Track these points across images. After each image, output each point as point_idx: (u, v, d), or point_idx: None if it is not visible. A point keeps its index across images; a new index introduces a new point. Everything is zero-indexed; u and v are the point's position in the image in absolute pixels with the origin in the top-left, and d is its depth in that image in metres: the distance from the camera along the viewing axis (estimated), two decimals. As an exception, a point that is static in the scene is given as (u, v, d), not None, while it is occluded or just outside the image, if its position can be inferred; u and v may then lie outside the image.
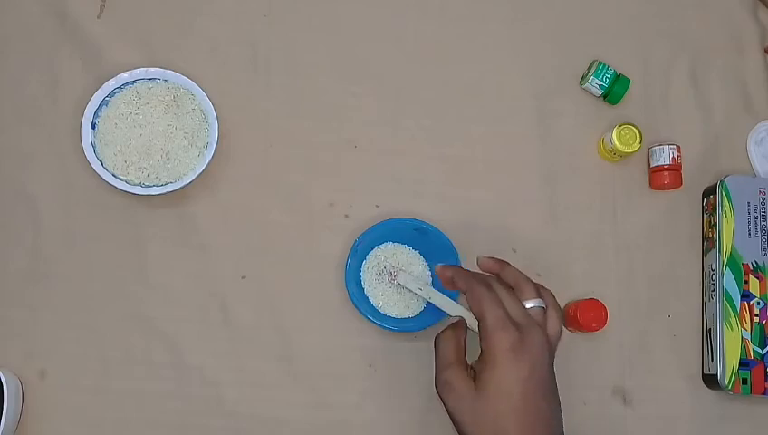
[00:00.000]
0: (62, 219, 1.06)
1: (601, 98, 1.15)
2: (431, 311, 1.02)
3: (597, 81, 1.13)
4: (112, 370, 1.04)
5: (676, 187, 1.13)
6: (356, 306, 1.04)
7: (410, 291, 1.01)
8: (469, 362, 0.91)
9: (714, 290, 1.10)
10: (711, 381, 1.08)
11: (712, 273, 1.10)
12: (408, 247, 1.07)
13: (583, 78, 1.15)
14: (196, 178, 1.04)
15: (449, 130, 1.13)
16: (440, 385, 0.85)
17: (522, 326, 0.83)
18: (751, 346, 1.07)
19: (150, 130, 1.05)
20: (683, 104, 1.17)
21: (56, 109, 1.09)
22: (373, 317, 1.03)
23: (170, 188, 1.03)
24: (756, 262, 1.09)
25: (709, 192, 1.13)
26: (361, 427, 1.04)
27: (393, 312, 1.05)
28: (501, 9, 1.17)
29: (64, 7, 1.11)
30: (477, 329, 0.87)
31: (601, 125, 1.15)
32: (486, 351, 0.82)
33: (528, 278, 0.93)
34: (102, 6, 1.12)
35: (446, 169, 1.12)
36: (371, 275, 1.06)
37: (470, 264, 1.04)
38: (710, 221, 1.12)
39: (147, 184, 1.04)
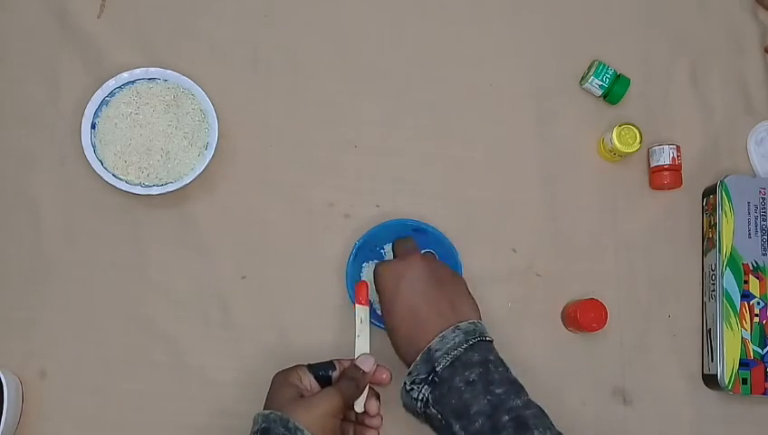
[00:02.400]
0: (62, 219, 1.07)
1: (601, 98, 1.15)
2: None
3: (597, 81, 1.13)
4: (112, 370, 1.04)
5: (677, 187, 1.13)
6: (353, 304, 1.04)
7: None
8: None
9: (714, 290, 1.09)
10: (711, 381, 1.08)
11: (712, 273, 1.10)
12: None
13: (583, 78, 1.15)
14: (196, 178, 1.04)
15: (449, 130, 1.13)
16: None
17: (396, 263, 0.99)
18: (751, 346, 1.07)
19: (150, 130, 1.05)
20: (683, 104, 1.17)
21: (56, 109, 1.09)
22: (372, 318, 1.03)
23: (170, 187, 1.03)
24: (756, 262, 1.09)
25: (709, 192, 1.13)
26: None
27: None
28: (501, 10, 1.17)
29: (64, 7, 1.11)
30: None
31: (601, 125, 1.15)
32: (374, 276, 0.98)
33: None
34: (102, 6, 1.12)
35: (446, 169, 1.12)
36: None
37: (470, 263, 1.06)
38: (710, 221, 1.12)
39: (147, 184, 1.04)
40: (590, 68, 1.14)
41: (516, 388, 0.91)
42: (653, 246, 1.13)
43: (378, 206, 1.10)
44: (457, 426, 0.88)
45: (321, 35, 1.14)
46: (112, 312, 1.05)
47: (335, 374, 0.97)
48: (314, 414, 0.89)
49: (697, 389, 1.10)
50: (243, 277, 1.07)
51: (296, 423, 0.87)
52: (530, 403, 0.90)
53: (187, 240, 1.07)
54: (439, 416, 0.90)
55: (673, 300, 1.12)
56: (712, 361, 1.08)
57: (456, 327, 0.92)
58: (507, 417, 0.87)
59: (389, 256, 1.07)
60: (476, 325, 0.94)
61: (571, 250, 1.12)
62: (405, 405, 0.95)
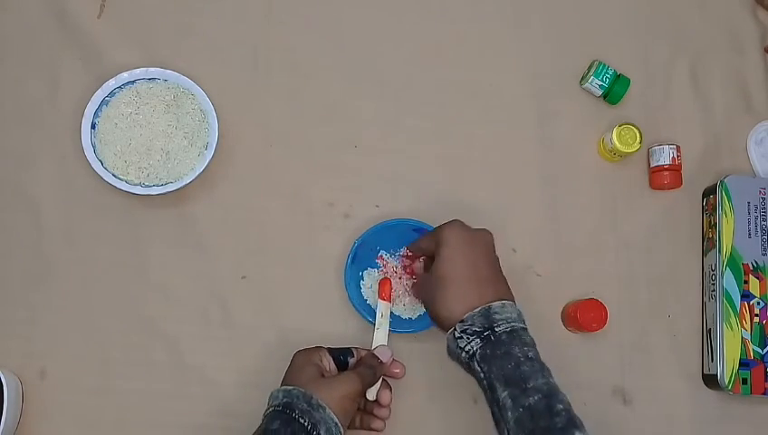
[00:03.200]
0: (62, 219, 1.07)
1: (601, 98, 1.15)
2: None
3: (597, 81, 1.13)
4: (112, 370, 1.04)
5: (676, 187, 1.13)
6: (355, 307, 1.05)
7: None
8: None
9: (714, 290, 1.09)
10: (711, 381, 1.08)
11: (712, 273, 1.10)
12: None
13: (583, 78, 1.15)
14: (196, 178, 1.04)
15: (449, 130, 1.13)
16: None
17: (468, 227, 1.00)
18: (751, 346, 1.07)
19: (150, 130, 1.05)
20: (683, 104, 1.17)
21: (56, 109, 1.09)
22: (372, 318, 1.03)
23: (170, 188, 1.04)
24: (756, 262, 1.09)
25: (709, 192, 1.13)
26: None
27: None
28: (501, 10, 1.17)
29: (64, 7, 1.11)
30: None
31: (601, 125, 1.15)
32: (437, 234, 0.99)
33: None
34: (102, 6, 1.12)
35: (445, 169, 1.12)
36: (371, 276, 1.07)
37: None
38: (710, 221, 1.12)
39: (147, 184, 1.04)
40: (589, 68, 1.14)
41: (558, 388, 0.92)
42: (653, 246, 1.13)
43: (377, 206, 1.10)
44: (506, 392, 0.89)
45: (321, 35, 1.14)
46: (112, 312, 1.05)
47: (353, 361, 0.99)
48: (335, 394, 0.91)
49: (697, 389, 1.10)
50: (243, 277, 1.07)
51: (319, 400, 0.89)
52: (571, 407, 0.91)
53: (186, 240, 1.07)
54: (482, 374, 0.91)
55: (673, 300, 1.12)
56: (712, 361, 1.08)
57: (514, 304, 0.95)
58: (561, 407, 0.89)
59: (388, 256, 1.08)
60: (523, 314, 0.96)
61: (570, 250, 1.12)
62: (449, 350, 0.96)
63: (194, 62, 1.10)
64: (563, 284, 1.10)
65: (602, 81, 1.13)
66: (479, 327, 0.91)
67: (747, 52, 1.19)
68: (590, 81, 1.13)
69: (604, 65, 1.13)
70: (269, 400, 0.92)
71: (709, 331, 1.09)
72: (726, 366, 1.06)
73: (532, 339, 0.94)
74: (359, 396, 0.94)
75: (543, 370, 0.91)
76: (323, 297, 1.07)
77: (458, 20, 1.16)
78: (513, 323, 0.92)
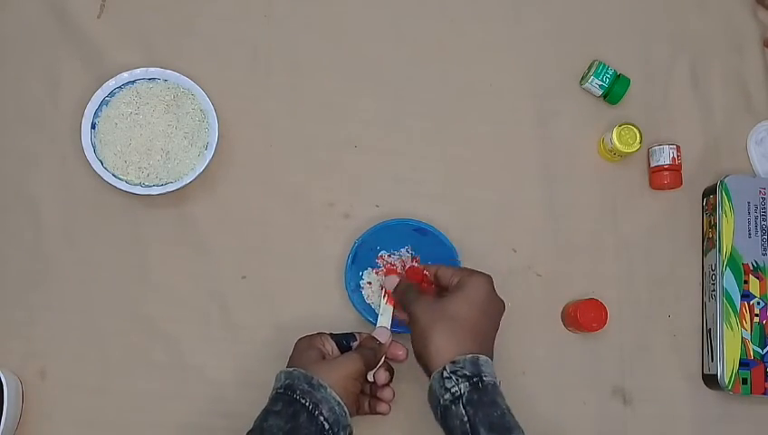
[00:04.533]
0: (62, 219, 1.07)
1: (601, 98, 1.15)
2: None
3: (597, 81, 1.13)
4: (112, 370, 1.04)
5: (676, 187, 1.13)
6: (355, 307, 1.05)
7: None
8: None
9: (714, 290, 1.09)
10: (711, 381, 1.08)
11: (712, 273, 1.10)
12: None
13: (583, 78, 1.15)
14: (196, 178, 1.04)
15: (449, 130, 1.13)
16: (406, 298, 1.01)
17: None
18: (751, 346, 1.06)
19: (150, 130, 1.05)
20: (683, 104, 1.17)
21: (56, 109, 1.09)
22: (370, 317, 1.04)
23: (170, 187, 1.03)
24: (756, 262, 1.09)
25: (709, 192, 1.13)
26: (360, 425, 1.03)
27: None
28: (501, 9, 1.17)
29: (64, 7, 1.11)
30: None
31: (601, 125, 1.15)
32: (465, 275, 0.99)
33: None
34: (102, 6, 1.12)
35: (446, 169, 1.12)
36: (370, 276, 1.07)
37: (470, 263, 1.05)
38: (710, 221, 1.12)
39: (147, 184, 1.04)
40: (590, 68, 1.14)
41: None
42: (653, 246, 1.13)
43: (377, 206, 1.10)
44: None
45: (321, 35, 1.14)
46: (112, 312, 1.05)
47: (355, 344, 1.00)
48: (336, 375, 0.92)
49: (697, 389, 1.10)
50: (243, 277, 1.07)
51: (320, 380, 0.91)
52: None
53: (186, 240, 1.07)
54: (466, 417, 0.90)
55: (673, 300, 1.12)
56: (712, 361, 1.08)
57: (491, 361, 0.94)
58: None
59: (388, 256, 1.08)
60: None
61: (571, 250, 1.12)
62: (430, 391, 0.94)
63: (194, 62, 1.10)
64: (563, 284, 1.10)
65: (602, 81, 1.13)
66: (469, 372, 0.91)
67: (747, 52, 1.19)
68: (590, 81, 1.13)
69: (604, 65, 1.13)
70: (274, 381, 0.94)
71: (709, 331, 1.09)
72: (726, 366, 1.06)
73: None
74: (360, 376, 0.95)
75: (519, 424, 0.91)
76: (323, 297, 1.07)
77: (458, 19, 1.16)
78: (495, 380, 0.93)
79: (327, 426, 0.89)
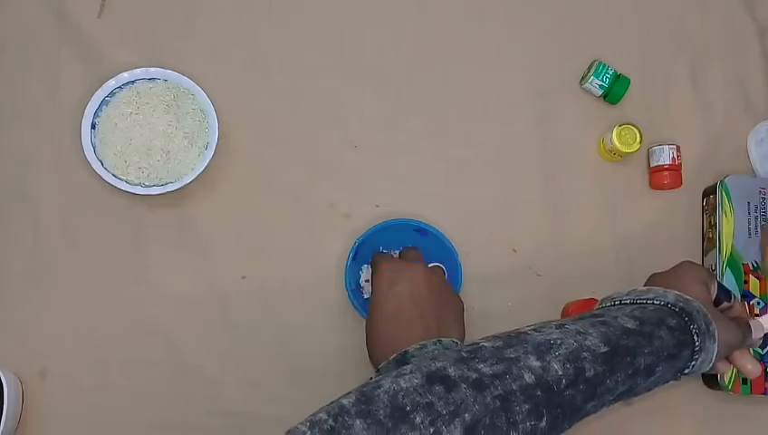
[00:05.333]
0: (62, 219, 1.06)
1: (601, 98, 1.14)
2: None
3: (597, 81, 1.13)
4: (112, 369, 1.04)
5: (676, 187, 1.12)
6: (355, 307, 1.05)
7: None
8: None
9: (714, 290, 1.09)
10: (711, 381, 1.07)
11: (712, 272, 1.08)
12: None
13: (583, 78, 1.15)
14: (196, 178, 1.04)
15: (449, 130, 1.13)
16: None
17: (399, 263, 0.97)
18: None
19: (150, 130, 1.05)
20: (683, 104, 1.16)
21: (56, 109, 1.08)
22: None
23: (170, 188, 1.03)
24: (756, 262, 1.09)
25: (709, 192, 1.13)
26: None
27: None
28: (501, 9, 1.16)
29: (64, 7, 1.11)
30: None
31: (601, 125, 1.14)
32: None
33: None
34: (102, 6, 1.11)
35: (446, 169, 1.12)
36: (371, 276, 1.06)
37: (470, 264, 1.06)
38: (710, 221, 1.12)
39: (147, 184, 1.04)
40: (590, 68, 1.14)
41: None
42: (653, 245, 1.12)
43: (377, 206, 1.10)
44: None
45: (321, 35, 1.14)
46: (112, 311, 1.05)
47: (726, 305, 0.96)
48: (723, 336, 0.88)
49: (697, 388, 1.09)
50: (243, 277, 1.07)
51: (716, 332, 0.87)
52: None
53: (186, 240, 1.07)
54: None
55: None
56: None
57: (437, 341, 0.90)
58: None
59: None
60: (455, 344, 0.92)
61: (571, 250, 1.11)
62: None
63: (194, 62, 1.10)
64: (563, 284, 1.10)
65: (602, 81, 1.13)
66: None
67: (747, 52, 1.19)
68: (590, 81, 1.13)
69: (604, 65, 1.13)
70: (649, 294, 0.89)
71: None
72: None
73: None
74: (731, 352, 0.92)
75: None
76: (323, 297, 1.07)
77: (458, 20, 1.16)
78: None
79: (681, 375, 0.88)
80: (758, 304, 1.08)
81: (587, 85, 1.14)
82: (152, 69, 1.06)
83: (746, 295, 1.08)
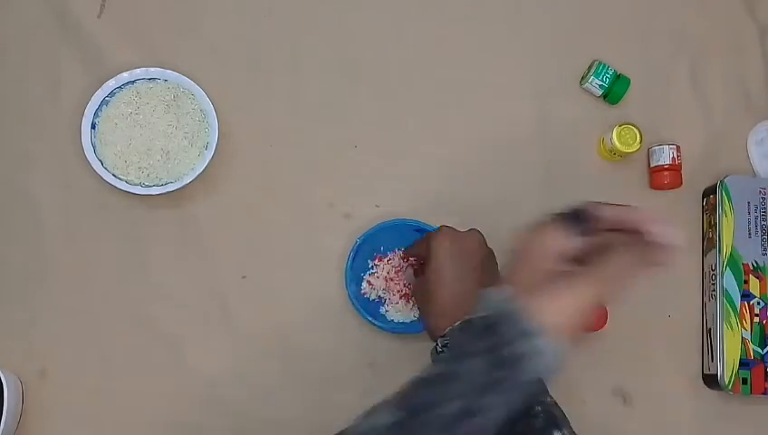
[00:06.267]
0: (62, 219, 1.07)
1: (601, 98, 1.15)
2: None
3: (597, 81, 1.13)
4: (113, 370, 1.04)
5: (676, 187, 1.12)
6: (355, 307, 1.04)
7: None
8: None
9: (714, 290, 1.09)
10: (711, 381, 1.08)
11: (712, 273, 1.10)
12: None
13: (583, 78, 1.15)
14: (196, 178, 1.04)
15: (449, 129, 1.13)
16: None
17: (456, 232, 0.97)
18: (751, 346, 1.06)
19: (150, 129, 1.05)
20: (683, 104, 1.17)
21: (56, 109, 1.09)
22: (372, 318, 1.04)
23: (170, 187, 1.03)
24: (756, 262, 1.09)
25: (709, 192, 1.13)
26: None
27: (393, 314, 1.06)
28: (501, 9, 1.16)
29: (65, 7, 1.11)
30: None
31: (601, 125, 1.14)
32: (425, 242, 0.97)
33: None
34: (103, 6, 1.11)
35: (445, 168, 1.12)
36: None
37: None
38: (710, 221, 1.12)
39: (147, 184, 1.04)
40: (589, 68, 1.14)
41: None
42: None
43: (378, 206, 1.10)
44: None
45: (321, 35, 1.14)
46: (112, 312, 1.05)
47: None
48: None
49: (697, 389, 1.10)
50: (243, 277, 1.07)
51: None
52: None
53: (187, 240, 1.07)
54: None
55: (673, 300, 1.11)
56: (712, 360, 1.08)
57: None
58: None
59: (389, 256, 1.08)
60: None
61: None
62: None
63: (194, 61, 1.10)
64: None
65: (602, 81, 1.13)
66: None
67: (747, 52, 1.19)
68: (589, 80, 1.13)
69: (604, 65, 1.13)
70: None
71: (709, 330, 1.09)
72: (726, 366, 1.06)
73: None
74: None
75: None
76: (324, 297, 1.07)
77: (458, 19, 1.16)
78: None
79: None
80: (758, 303, 1.08)
81: (587, 85, 1.14)
82: (152, 69, 1.07)
83: (747, 295, 1.08)
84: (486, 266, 0.96)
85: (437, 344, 0.90)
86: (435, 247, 0.95)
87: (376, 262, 1.07)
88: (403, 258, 1.06)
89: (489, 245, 1.07)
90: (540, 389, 0.88)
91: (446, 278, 0.94)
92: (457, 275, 0.94)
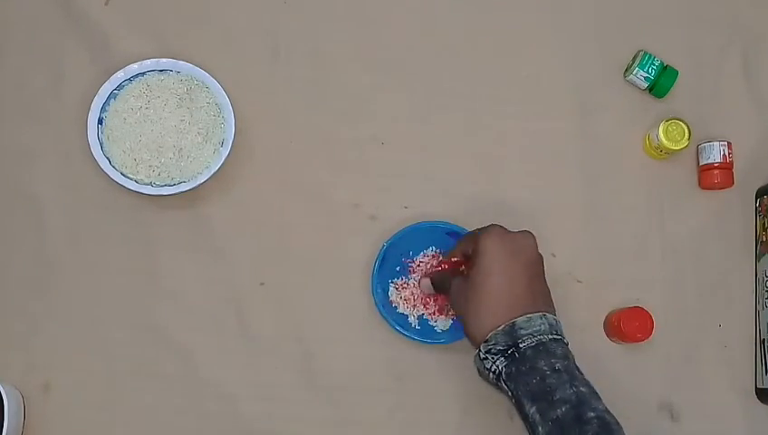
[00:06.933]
0: (66, 221, 1.06)
1: (647, 91, 1.12)
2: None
3: (642, 72, 1.10)
4: (120, 383, 1.03)
5: (728, 186, 1.10)
6: (383, 316, 1.02)
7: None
8: None
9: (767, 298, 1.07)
10: (765, 395, 1.06)
11: (766, 279, 1.07)
12: None
13: (627, 69, 1.12)
14: (210, 178, 1.03)
15: (483, 125, 1.11)
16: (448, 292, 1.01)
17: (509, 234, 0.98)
18: (809, 359, 1.05)
19: (162, 125, 1.04)
20: (735, 97, 1.14)
21: (61, 103, 1.08)
22: (401, 328, 1.02)
23: (183, 187, 1.02)
24: (814, 267, 1.07)
25: (763, 192, 1.10)
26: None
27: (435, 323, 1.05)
28: (539, -5, 1.16)
29: (70, -6, 1.11)
30: None
31: (647, 120, 1.12)
32: (475, 240, 0.97)
33: None
34: (110, -8, 1.11)
35: (479, 167, 1.10)
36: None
37: None
38: (764, 223, 1.09)
39: (158, 183, 1.03)
40: (634, 59, 1.12)
41: (596, 393, 0.91)
42: (702, 249, 1.10)
43: (406, 207, 1.08)
44: (533, 408, 0.89)
45: (344, 23, 1.12)
46: (121, 321, 1.04)
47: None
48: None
49: (750, 404, 1.08)
50: (261, 284, 1.05)
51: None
52: (609, 412, 0.90)
53: (200, 244, 1.06)
54: (510, 393, 0.91)
55: (724, 308, 1.10)
56: (766, 374, 1.05)
57: (543, 315, 0.93)
58: (592, 414, 0.88)
59: (418, 260, 1.06)
60: (559, 323, 0.95)
61: (614, 255, 1.09)
62: (478, 371, 0.96)
63: (208, 52, 1.09)
64: (606, 290, 1.08)
65: (648, 72, 1.10)
66: (503, 346, 0.91)
67: (804, 40, 1.18)
68: (634, 72, 1.10)
69: (650, 56, 1.10)
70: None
71: (763, 341, 1.07)
72: (782, 380, 1.04)
73: (564, 349, 0.93)
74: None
75: (574, 379, 0.90)
76: (348, 305, 1.06)
77: (494, 6, 1.14)
78: (541, 337, 0.91)
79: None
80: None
81: (631, 77, 1.11)
82: (163, 60, 1.05)
83: (804, 302, 1.06)
84: (534, 271, 0.96)
85: (480, 351, 0.92)
86: (486, 245, 0.95)
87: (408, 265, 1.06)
88: (442, 263, 1.03)
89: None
90: (591, 395, 0.91)
91: (494, 278, 0.94)
92: (507, 275, 0.94)
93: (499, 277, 0.93)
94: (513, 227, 1.06)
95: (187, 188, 1.02)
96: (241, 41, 1.11)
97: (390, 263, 1.04)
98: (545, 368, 0.89)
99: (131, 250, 1.05)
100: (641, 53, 1.11)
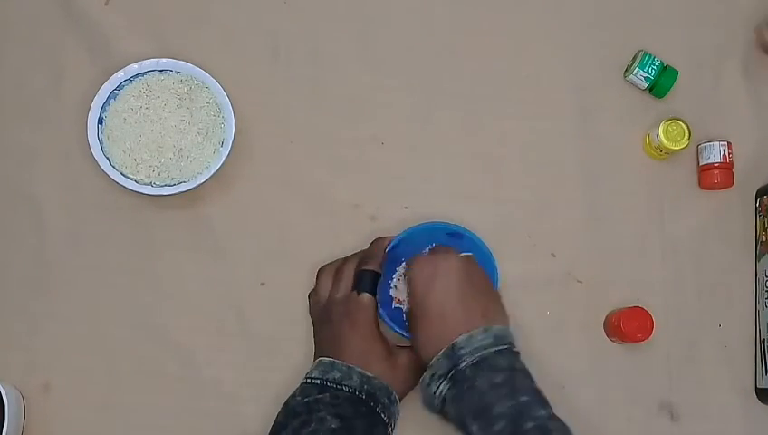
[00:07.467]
0: (66, 222, 1.06)
1: (647, 91, 1.12)
2: None
3: (642, 72, 1.10)
4: (121, 383, 1.03)
5: (728, 186, 1.10)
6: (383, 318, 1.01)
7: None
8: None
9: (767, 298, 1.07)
10: (765, 395, 1.05)
11: (766, 279, 1.07)
12: None
13: (627, 69, 1.12)
14: (211, 178, 1.03)
15: (483, 125, 1.11)
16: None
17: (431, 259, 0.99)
18: (809, 358, 1.05)
19: (162, 125, 1.04)
20: (735, 97, 1.14)
21: (60, 103, 1.08)
22: (402, 329, 1.01)
23: (183, 187, 1.02)
24: (815, 267, 1.07)
25: (763, 192, 1.10)
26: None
27: None
28: (539, -5, 1.16)
29: (70, -7, 1.11)
30: None
31: (647, 120, 1.12)
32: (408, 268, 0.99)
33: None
34: (111, -9, 1.11)
35: (479, 167, 1.10)
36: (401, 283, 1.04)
37: (506, 269, 1.03)
38: (764, 223, 1.09)
39: (158, 184, 1.03)
40: (634, 58, 1.11)
41: (542, 399, 0.90)
42: (702, 250, 1.10)
43: (406, 207, 1.08)
44: (475, 427, 0.88)
45: (344, 22, 1.12)
46: (121, 321, 1.04)
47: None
48: (406, 387, 1.00)
49: (750, 404, 1.07)
50: (261, 284, 1.05)
51: (396, 396, 0.96)
52: (554, 417, 0.88)
53: (201, 244, 1.06)
54: (454, 417, 0.90)
55: (724, 308, 1.09)
56: (766, 374, 1.05)
57: (485, 329, 0.91)
58: (531, 424, 0.86)
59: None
60: (507, 332, 0.93)
61: (614, 255, 1.09)
62: (423, 400, 0.94)
63: (208, 52, 1.09)
64: (605, 291, 1.08)
65: (648, 72, 1.10)
66: (444, 369, 0.90)
67: (804, 40, 1.17)
68: (634, 72, 1.10)
69: (650, 56, 1.10)
70: (336, 375, 0.94)
71: (763, 341, 1.06)
72: (782, 380, 1.04)
73: (510, 359, 0.92)
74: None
75: (516, 391, 0.89)
76: None
77: (493, 6, 1.14)
78: (483, 352, 0.90)
79: None
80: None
81: (631, 77, 1.11)
82: (164, 60, 1.05)
83: (805, 302, 1.06)
84: (467, 288, 0.95)
85: (424, 378, 0.92)
86: (411, 276, 0.97)
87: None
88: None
89: (526, 249, 1.09)
90: (533, 403, 0.89)
91: (425, 305, 0.94)
92: (436, 300, 0.94)
93: (429, 303, 0.93)
94: (513, 226, 1.09)
95: (187, 188, 1.02)
96: (241, 41, 1.10)
97: (391, 263, 1.03)
98: (483, 385, 0.89)
99: (131, 250, 1.05)
100: (641, 53, 1.10)
